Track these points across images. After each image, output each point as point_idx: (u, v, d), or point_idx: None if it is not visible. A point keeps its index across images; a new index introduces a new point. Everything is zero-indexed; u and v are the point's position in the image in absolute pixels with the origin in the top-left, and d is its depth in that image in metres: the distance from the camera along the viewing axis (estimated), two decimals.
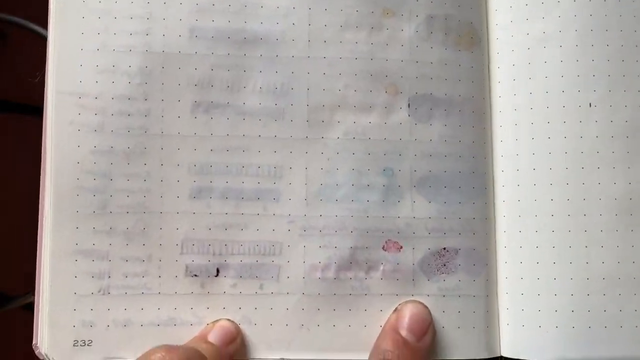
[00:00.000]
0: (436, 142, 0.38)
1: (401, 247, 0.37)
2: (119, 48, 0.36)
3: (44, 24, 0.36)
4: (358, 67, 0.38)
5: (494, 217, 0.38)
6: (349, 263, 0.36)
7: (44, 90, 0.36)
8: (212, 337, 0.33)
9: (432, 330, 0.35)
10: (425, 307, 0.35)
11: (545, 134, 0.38)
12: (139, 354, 0.31)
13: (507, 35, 0.39)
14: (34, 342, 0.34)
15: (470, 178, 0.38)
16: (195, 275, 0.35)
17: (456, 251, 0.37)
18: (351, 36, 0.38)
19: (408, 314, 0.34)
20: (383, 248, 0.37)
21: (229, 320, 0.35)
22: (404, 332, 0.33)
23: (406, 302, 0.36)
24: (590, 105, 0.38)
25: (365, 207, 0.37)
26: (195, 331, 0.34)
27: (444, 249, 0.37)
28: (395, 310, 0.35)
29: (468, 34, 0.39)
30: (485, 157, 0.38)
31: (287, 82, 0.37)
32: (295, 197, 0.37)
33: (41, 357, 0.33)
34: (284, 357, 0.35)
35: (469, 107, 0.38)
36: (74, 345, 0.34)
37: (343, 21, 0.38)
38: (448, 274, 0.37)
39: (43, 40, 0.36)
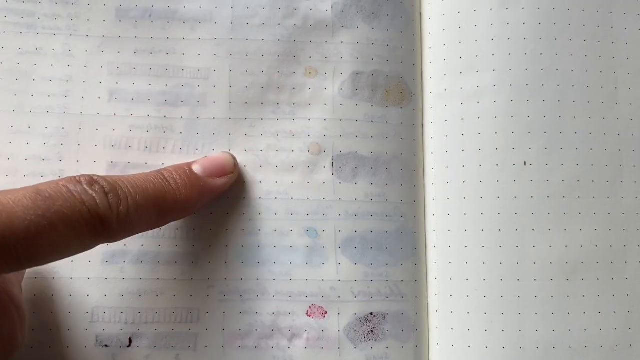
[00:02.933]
0: (361, 202, 0.34)
1: (326, 313, 0.34)
2: (35, 109, 0.34)
3: None
4: (280, 127, 0.35)
5: (426, 279, 0.35)
6: (271, 330, 0.33)
7: None
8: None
9: (228, 180, 0.32)
10: (232, 157, 0.33)
11: (477, 193, 0.34)
12: None
13: (440, 89, 0.35)
14: None
15: (398, 238, 0.34)
16: (106, 346, 0.33)
17: (384, 316, 0.34)
18: (273, 97, 0.35)
19: (208, 156, 0.33)
20: (307, 314, 0.34)
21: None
22: (194, 165, 0.31)
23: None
24: (525, 164, 0.34)
25: (288, 270, 0.34)
26: None
27: (371, 314, 0.34)
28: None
29: (397, 89, 0.35)
30: (416, 215, 0.35)
31: (208, 143, 0.34)
32: (215, 259, 0.34)
33: None
34: None
35: (396, 164, 0.35)
36: None
37: (264, 82, 0.35)
38: (376, 340, 0.33)
39: None
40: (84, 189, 0.25)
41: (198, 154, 0.34)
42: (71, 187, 0.24)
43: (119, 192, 0.26)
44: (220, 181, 0.32)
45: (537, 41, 0.35)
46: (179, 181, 0.29)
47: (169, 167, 0.30)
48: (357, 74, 0.35)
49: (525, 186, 0.34)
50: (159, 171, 0.29)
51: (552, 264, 0.33)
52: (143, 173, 0.29)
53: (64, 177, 0.29)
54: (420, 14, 0.36)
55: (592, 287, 0.33)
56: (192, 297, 0.33)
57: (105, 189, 0.26)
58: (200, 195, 0.30)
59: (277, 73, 0.34)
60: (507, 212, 0.34)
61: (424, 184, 0.35)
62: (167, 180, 0.29)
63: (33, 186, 0.24)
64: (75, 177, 0.25)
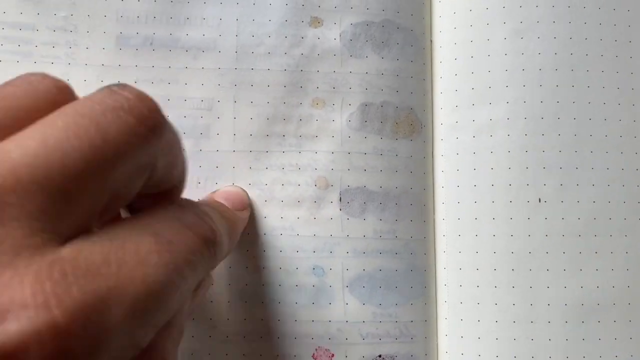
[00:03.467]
0: (370, 239, 0.33)
1: (332, 355, 0.32)
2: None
3: None
4: (286, 160, 0.33)
5: (436, 319, 0.33)
6: None
7: None
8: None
9: (247, 213, 0.31)
10: (243, 190, 0.32)
11: (489, 230, 0.32)
12: None
13: (452, 121, 0.34)
14: None
15: (408, 277, 0.33)
16: None
17: (393, 358, 0.32)
18: (279, 129, 0.33)
19: (225, 190, 0.31)
20: (313, 356, 0.32)
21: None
22: (220, 199, 0.29)
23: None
24: (539, 201, 0.33)
25: (294, 310, 0.32)
26: None
27: (380, 356, 0.32)
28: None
29: (407, 121, 0.34)
30: (426, 252, 0.33)
31: (211, 176, 0.33)
32: (217, 298, 0.32)
33: None
34: None
35: (406, 199, 0.33)
36: None
37: (270, 114, 0.33)
38: None
39: None
40: (196, 219, 0.21)
41: (200, 187, 0.32)
42: (190, 219, 0.21)
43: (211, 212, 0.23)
44: (245, 214, 0.31)
45: (553, 72, 0.33)
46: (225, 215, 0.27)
47: (202, 202, 0.27)
48: (366, 105, 0.33)
49: (539, 224, 0.32)
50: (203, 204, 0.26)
51: (567, 305, 0.32)
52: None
53: None
54: (431, 41, 0.35)
55: (608, 330, 0.32)
56: (194, 337, 0.32)
57: (209, 213, 0.23)
58: (234, 228, 0.28)
59: (283, 104, 0.33)
60: (521, 251, 0.32)
61: (434, 220, 0.33)
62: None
63: (147, 226, 0.19)
64: (184, 205, 0.22)
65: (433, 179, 0.34)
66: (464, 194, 0.33)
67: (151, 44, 0.33)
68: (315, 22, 0.33)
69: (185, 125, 0.33)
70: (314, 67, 0.33)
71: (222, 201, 0.29)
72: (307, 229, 0.33)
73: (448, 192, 0.33)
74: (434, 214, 0.34)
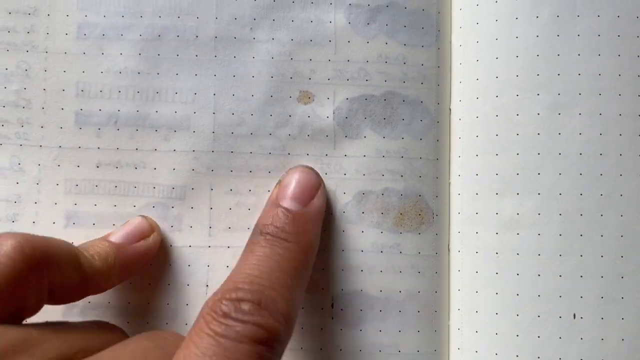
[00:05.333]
0: (367, 354, 0.27)
1: None
2: None
3: None
4: None
5: None
6: None
7: None
8: (115, 237, 0.26)
9: (323, 192, 0.27)
10: (313, 170, 0.27)
11: (512, 347, 0.26)
12: None
13: (471, 212, 0.27)
14: None
15: None
16: None
17: None
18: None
19: (291, 182, 0.26)
20: None
21: (143, 216, 0.27)
22: (285, 203, 0.25)
23: (289, 170, 0.27)
24: (574, 317, 0.26)
25: None
26: None
27: None
28: (278, 183, 0.27)
29: (414, 210, 0.28)
30: None
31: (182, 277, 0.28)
32: None
33: None
34: None
35: (413, 306, 0.27)
36: None
37: (252, 203, 0.28)
38: None
39: None
40: (242, 325, 0.20)
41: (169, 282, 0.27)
42: (230, 334, 0.19)
43: (267, 293, 0.21)
44: (318, 203, 0.26)
45: (597, 157, 0.26)
46: (289, 230, 0.24)
47: (264, 217, 0.25)
48: (363, 194, 0.27)
49: (574, 345, 0.26)
50: (261, 232, 0.24)
51: None
52: (249, 250, 0.24)
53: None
54: (450, 110, 0.28)
55: None
56: None
57: (255, 302, 0.21)
58: (315, 229, 0.26)
59: (267, 192, 0.27)
60: None
61: (449, 330, 0.27)
62: (280, 239, 0.24)
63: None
64: (218, 312, 0.20)
65: (448, 281, 0.28)
66: (484, 301, 0.27)
67: (115, 122, 0.28)
68: (305, 97, 0.28)
69: (154, 216, 0.28)
70: (303, 149, 0.27)
71: (287, 204, 0.25)
72: (293, 341, 0.27)
73: (464, 298, 0.27)
74: (448, 320, 0.28)
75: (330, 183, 0.28)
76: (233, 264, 0.27)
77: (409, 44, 0.28)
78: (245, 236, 0.26)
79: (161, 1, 0.28)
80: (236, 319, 0.20)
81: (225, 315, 0.20)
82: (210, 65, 0.28)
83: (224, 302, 0.20)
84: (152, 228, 0.27)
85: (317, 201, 0.26)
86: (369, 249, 0.27)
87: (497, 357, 0.26)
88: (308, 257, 0.24)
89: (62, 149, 0.28)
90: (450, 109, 0.28)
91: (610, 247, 0.26)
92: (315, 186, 0.26)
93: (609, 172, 0.26)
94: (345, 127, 0.28)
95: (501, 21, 0.27)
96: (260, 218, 0.25)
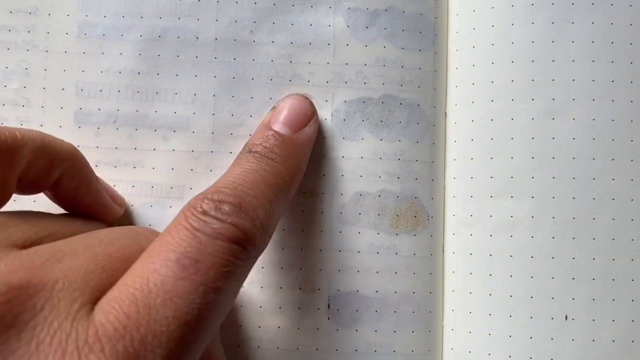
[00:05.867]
0: (363, 354, 0.27)
1: None
2: None
3: None
4: (266, 258, 0.28)
5: None
6: None
7: None
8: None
9: (315, 121, 0.27)
10: (307, 99, 0.27)
11: (505, 350, 0.27)
12: None
13: (466, 214, 0.28)
14: None
15: None
16: None
17: None
18: None
19: (285, 108, 0.26)
20: None
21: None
22: (277, 127, 0.26)
23: (285, 97, 0.28)
24: (566, 318, 0.26)
25: None
26: None
27: None
28: (272, 109, 0.27)
29: (410, 212, 0.28)
30: None
31: None
32: None
33: None
34: None
35: (407, 306, 0.28)
36: None
37: None
38: None
39: None
40: (220, 223, 0.20)
41: None
42: (206, 230, 0.19)
43: (248, 200, 0.21)
44: (309, 131, 0.27)
45: (590, 162, 0.27)
46: (277, 152, 0.25)
47: (255, 138, 0.25)
48: (360, 195, 0.28)
49: (566, 346, 0.26)
50: (249, 150, 0.25)
51: None
52: (237, 163, 0.24)
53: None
54: (446, 113, 0.28)
55: None
56: None
57: (236, 205, 0.21)
58: (303, 156, 0.26)
59: None
60: None
61: (442, 330, 0.28)
62: (268, 158, 0.24)
63: (166, 250, 0.19)
64: (198, 209, 0.20)
65: (442, 282, 0.28)
66: (478, 302, 0.27)
67: (114, 121, 0.28)
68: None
69: (152, 216, 0.28)
70: None
71: (279, 127, 0.26)
72: (289, 340, 0.27)
73: (458, 298, 0.27)
74: (441, 323, 0.28)
75: (326, 185, 0.28)
76: None
77: (407, 47, 0.28)
78: None
79: (162, 2, 0.28)
80: (215, 217, 0.20)
81: (205, 212, 0.20)
82: (210, 66, 0.28)
83: (205, 201, 0.20)
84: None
85: (309, 129, 0.26)
86: (366, 250, 0.28)
87: (490, 357, 0.27)
88: (293, 180, 0.25)
89: None
90: (446, 113, 0.29)
91: (601, 250, 0.26)
92: (308, 114, 0.27)
93: (602, 176, 0.27)
94: (343, 129, 0.28)
95: (497, 27, 0.28)
96: (250, 139, 0.26)
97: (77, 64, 0.28)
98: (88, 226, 0.23)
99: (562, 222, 0.27)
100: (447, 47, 0.29)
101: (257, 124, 0.28)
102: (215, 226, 0.20)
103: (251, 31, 0.28)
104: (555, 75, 0.27)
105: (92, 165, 0.27)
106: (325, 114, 0.28)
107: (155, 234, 0.22)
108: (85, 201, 0.24)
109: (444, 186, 0.28)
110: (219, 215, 0.20)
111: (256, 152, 0.24)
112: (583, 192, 0.27)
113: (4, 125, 0.28)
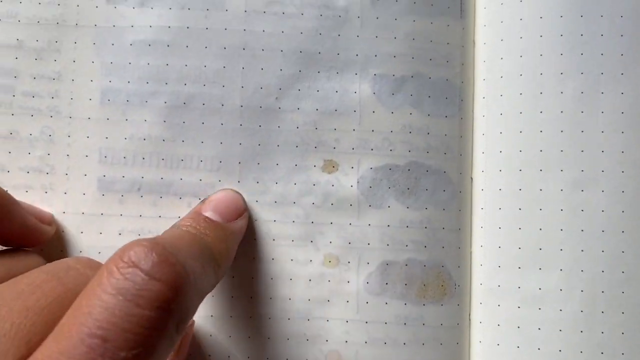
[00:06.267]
0: None
1: None
2: None
3: None
4: (292, 328, 0.27)
5: None
6: None
7: None
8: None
9: (245, 218, 0.27)
10: (239, 194, 0.27)
11: None
12: None
13: (493, 284, 0.27)
14: None
15: None
16: None
17: None
18: (284, 291, 0.28)
19: (216, 199, 0.26)
20: None
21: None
22: (209, 214, 0.25)
23: (216, 191, 0.27)
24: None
25: None
26: None
27: None
28: (202, 201, 0.26)
29: (437, 281, 0.28)
30: None
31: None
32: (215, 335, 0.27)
33: None
34: None
35: None
36: None
37: (274, 272, 0.28)
38: None
39: None
40: (142, 282, 0.17)
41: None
42: (125, 294, 0.17)
43: (179, 257, 0.19)
44: (240, 222, 0.26)
45: (619, 235, 0.26)
46: (209, 233, 0.23)
47: (184, 220, 0.24)
48: (387, 264, 0.27)
49: None
50: (183, 227, 0.23)
51: None
52: (175, 229, 0.23)
53: None
54: (472, 179, 0.28)
55: None
56: None
57: (162, 259, 0.18)
58: (233, 245, 0.25)
59: (290, 261, 0.27)
60: None
61: None
62: (200, 233, 0.23)
63: (78, 327, 0.17)
64: (120, 263, 0.18)
65: (469, 352, 0.27)
66: None
67: (139, 189, 0.27)
68: (329, 166, 0.28)
69: None
70: (327, 218, 0.27)
71: (210, 214, 0.25)
72: None
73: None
74: None
75: (353, 254, 0.27)
76: (252, 333, 0.26)
77: (433, 114, 0.28)
78: (267, 302, 0.26)
79: (187, 69, 0.27)
80: (138, 274, 0.17)
81: (130, 264, 0.18)
82: (235, 133, 0.28)
83: (128, 253, 0.18)
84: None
85: (240, 222, 0.26)
86: (393, 321, 0.27)
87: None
88: (221, 263, 0.23)
89: (85, 216, 0.27)
90: (472, 178, 0.28)
91: (632, 325, 0.26)
92: (240, 208, 0.26)
93: (631, 250, 0.26)
94: (369, 197, 0.28)
95: (525, 95, 0.27)
96: (178, 222, 0.24)
97: (100, 131, 0.27)
98: (19, 263, 0.22)
99: (591, 296, 0.26)
100: (472, 112, 0.28)
101: (282, 191, 0.27)
102: (136, 287, 0.17)
103: (276, 98, 0.28)
104: (584, 146, 0.27)
105: (116, 234, 0.27)
106: (351, 181, 0.28)
107: (91, 265, 0.20)
108: (12, 230, 0.23)
109: (471, 254, 0.28)
110: (143, 269, 0.17)
111: (188, 230, 0.23)
112: (612, 266, 0.26)
113: (29, 192, 0.27)
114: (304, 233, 0.27)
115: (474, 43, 0.29)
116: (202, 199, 0.27)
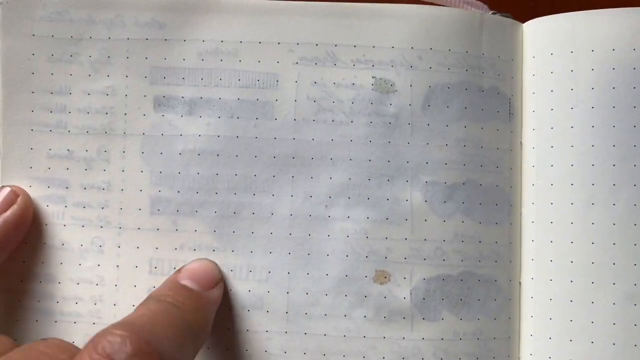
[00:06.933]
0: None
1: None
2: None
3: None
4: None
5: None
6: None
7: None
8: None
9: (221, 288, 0.26)
10: (214, 263, 0.27)
11: None
12: None
13: None
14: None
15: None
16: None
17: None
18: None
19: (193, 268, 0.26)
20: None
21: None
22: (185, 282, 0.25)
23: (191, 261, 0.27)
24: None
25: None
26: None
27: None
28: (177, 270, 0.26)
29: None
30: None
31: None
32: None
33: None
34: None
35: None
36: None
37: None
38: None
39: None
40: None
41: None
42: None
43: (158, 341, 0.20)
44: (216, 292, 0.26)
45: None
46: (187, 303, 0.24)
47: (161, 289, 0.25)
48: None
49: None
50: (157, 300, 0.23)
51: None
52: (142, 305, 0.23)
53: None
54: (520, 283, 0.28)
55: None
56: None
57: (143, 345, 0.19)
58: (210, 314, 0.25)
59: None
60: None
61: None
62: (176, 307, 0.23)
63: None
64: (100, 349, 0.19)
65: None
66: None
67: None
68: (381, 276, 0.27)
69: None
70: (380, 332, 0.27)
71: (187, 283, 0.25)
72: None
73: None
74: None
75: None
76: None
77: (484, 221, 0.28)
78: None
79: (236, 178, 0.27)
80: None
81: (108, 355, 0.18)
82: (285, 243, 0.27)
83: (109, 337, 0.19)
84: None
85: (217, 291, 0.26)
86: None
87: None
88: (200, 334, 0.23)
89: None
90: (520, 283, 0.28)
91: None
92: (216, 277, 0.26)
93: None
94: (422, 309, 0.27)
95: (577, 205, 0.27)
96: (155, 290, 0.25)
97: (150, 241, 0.27)
98: None
99: None
100: (520, 218, 0.28)
101: (332, 303, 0.27)
102: None
103: (326, 206, 0.27)
104: (637, 260, 0.27)
105: None
106: (404, 292, 0.27)
107: (63, 348, 0.20)
108: None
109: None
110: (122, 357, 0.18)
111: (165, 301, 0.23)
112: None
113: (78, 304, 0.27)
114: (355, 348, 0.27)
115: (522, 146, 0.29)
116: (176, 269, 0.26)
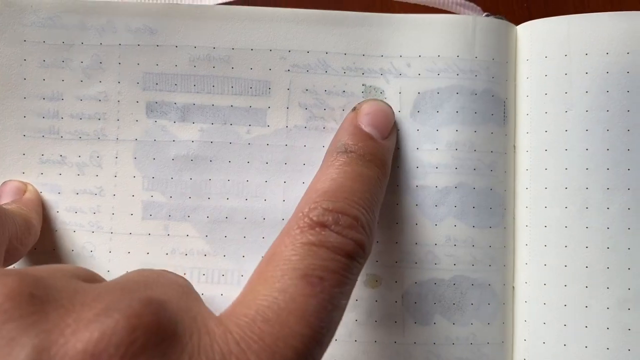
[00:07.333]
0: None
1: None
2: None
3: None
4: None
5: None
6: None
7: None
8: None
9: (395, 133, 0.27)
10: (390, 106, 0.27)
11: None
12: None
13: None
14: None
15: None
16: None
17: None
18: None
19: (371, 111, 0.26)
20: None
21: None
22: (369, 129, 0.25)
23: (365, 100, 0.27)
24: None
25: None
26: None
27: None
28: (354, 109, 0.26)
29: None
30: None
31: None
32: None
33: None
34: None
35: None
36: None
37: None
38: None
39: None
40: (339, 238, 0.20)
41: None
42: (327, 245, 0.20)
43: (362, 213, 0.22)
44: (393, 140, 0.27)
45: None
46: (374, 156, 0.24)
47: (347, 136, 0.25)
48: None
49: None
50: (346, 150, 0.24)
51: None
52: (334, 164, 0.24)
53: None
54: (513, 287, 0.28)
55: None
56: None
57: (353, 218, 0.21)
58: (390, 164, 0.26)
59: None
60: None
61: None
62: (367, 161, 0.24)
63: (291, 270, 0.19)
64: (313, 219, 0.21)
65: None
66: None
67: None
68: (373, 280, 0.27)
69: None
70: (371, 335, 0.27)
71: (371, 130, 0.25)
72: None
73: None
74: None
75: None
76: None
77: (478, 225, 0.28)
78: None
79: (229, 183, 0.27)
80: (334, 232, 0.20)
81: (322, 225, 0.20)
82: None
83: (319, 210, 0.21)
84: (24, 183, 0.27)
85: (393, 138, 0.26)
86: None
87: None
88: (384, 189, 0.25)
89: None
90: (514, 287, 0.28)
91: None
92: (392, 121, 0.26)
93: None
94: (414, 313, 0.27)
95: (571, 208, 0.27)
96: (340, 135, 0.25)
97: (141, 246, 0.27)
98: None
99: None
100: (514, 221, 0.28)
101: None
102: (334, 241, 0.20)
103: None
104: (630, 264, 0.26)
105: None
106: (395, 296, 0.27)
107: (164, 276, 0.20)
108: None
109: None
110: (338, 229, 0.20)
111: (352, 152, 0.24)
112: None
113: None
114: (346, 352, 0.27)
115: (515, 149, 0.29)
116: (353, 108, 0.27)
